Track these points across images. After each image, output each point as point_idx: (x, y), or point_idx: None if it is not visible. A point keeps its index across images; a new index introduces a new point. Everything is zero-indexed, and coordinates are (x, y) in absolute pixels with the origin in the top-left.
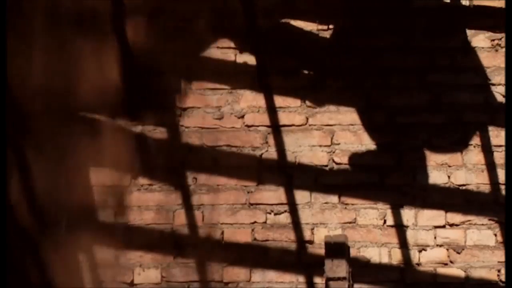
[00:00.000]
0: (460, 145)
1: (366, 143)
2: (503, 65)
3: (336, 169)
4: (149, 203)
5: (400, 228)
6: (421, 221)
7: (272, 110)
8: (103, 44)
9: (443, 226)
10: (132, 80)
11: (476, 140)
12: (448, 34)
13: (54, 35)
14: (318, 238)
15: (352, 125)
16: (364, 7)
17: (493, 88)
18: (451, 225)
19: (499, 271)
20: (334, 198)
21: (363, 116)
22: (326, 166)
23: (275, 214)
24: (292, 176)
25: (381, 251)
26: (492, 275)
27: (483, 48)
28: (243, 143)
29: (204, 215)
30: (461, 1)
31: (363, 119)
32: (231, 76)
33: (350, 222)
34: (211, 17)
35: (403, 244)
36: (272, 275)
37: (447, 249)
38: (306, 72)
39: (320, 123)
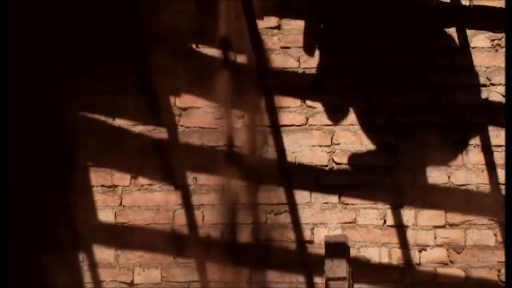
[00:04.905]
0: (460, 145)
1: (366, 143)
2: (503, 65)
3: (336, 169)
4: (149, 203)
5: (400, 228)
6: (421, 221)
7: (272, 110)
8: None
9: (443, 226)
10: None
11: (476, 140)
12: (448, 34)
13: None
14: (318, 238)
15: (352, 125)
16: (364, 7)
17: (493, 88)
18: (451, 225)
19: (499, 271)
20: (334, 198)
21: (361, 117)
22: (326, 166)
23: (275, 214)
24: (292, 176)
25: (381, 251)
26: (492, 275)
27: (483, 48)
28: (243, 143)
29: (204, 215)
30: (461, 1)
31: (362, 119)
32: (231, 76)
33: (350, 222)
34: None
35: (403, 244)
36: (272, 275)
37: (447, 249)
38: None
39: (320, 123)
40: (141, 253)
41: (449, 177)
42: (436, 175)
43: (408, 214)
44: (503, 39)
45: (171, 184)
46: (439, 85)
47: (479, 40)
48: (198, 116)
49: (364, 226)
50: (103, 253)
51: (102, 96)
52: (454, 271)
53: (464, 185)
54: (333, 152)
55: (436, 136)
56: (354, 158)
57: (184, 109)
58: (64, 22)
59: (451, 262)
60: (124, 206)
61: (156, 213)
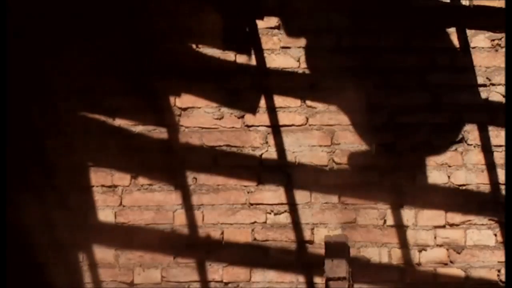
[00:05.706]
0: (460, 145)
1: (366, 143)
2: (503, 65)
3: (336, 169)
4: (149, 203)
5: (400, 228)
6: (421, 221)
7: (272, 110)
8: None
9: (443, 226)
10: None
11: (476, 140)
12: (448, 34)
13: None
14: (318, 238)
15: (352, 125)
16: (364, 7)
17: (493, 88)
18: (451, 225)
19: (499, 271)
20: (334, 198)
21: (361, 117)
22: (326, 166)
23: (275, 214)
24: (292, 176)
25: (381, 251)
26: (492, 275)
27: (483, 48)
28: (243, 143)
29: (204, 215)
30: (461, 1)
31: (361, 119)
32: (231, 76)
33: (350, 222)
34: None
35: (403, 244)
36: (272, 275)
37: (447, 249)
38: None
39: (320, 123)
40: (141, 253)
41: (449, 177)
42: (436, 175)
43: (408, 214)
44: (503, 39)
45: (171, 184)
46: (439, 85)
47: (479, 40)
48: (198, 116)
49: (364, 226)
50: (103, 253)
51: (102, 96)
52: (454, 271)
53: (464, 185)
54: (333, 152)
55: (436, 136)
56: (354, 158)
57: (184, 109)
58: (64, 22)
59: (451, 262)
60: (124, 206)
61: (156, 213)
